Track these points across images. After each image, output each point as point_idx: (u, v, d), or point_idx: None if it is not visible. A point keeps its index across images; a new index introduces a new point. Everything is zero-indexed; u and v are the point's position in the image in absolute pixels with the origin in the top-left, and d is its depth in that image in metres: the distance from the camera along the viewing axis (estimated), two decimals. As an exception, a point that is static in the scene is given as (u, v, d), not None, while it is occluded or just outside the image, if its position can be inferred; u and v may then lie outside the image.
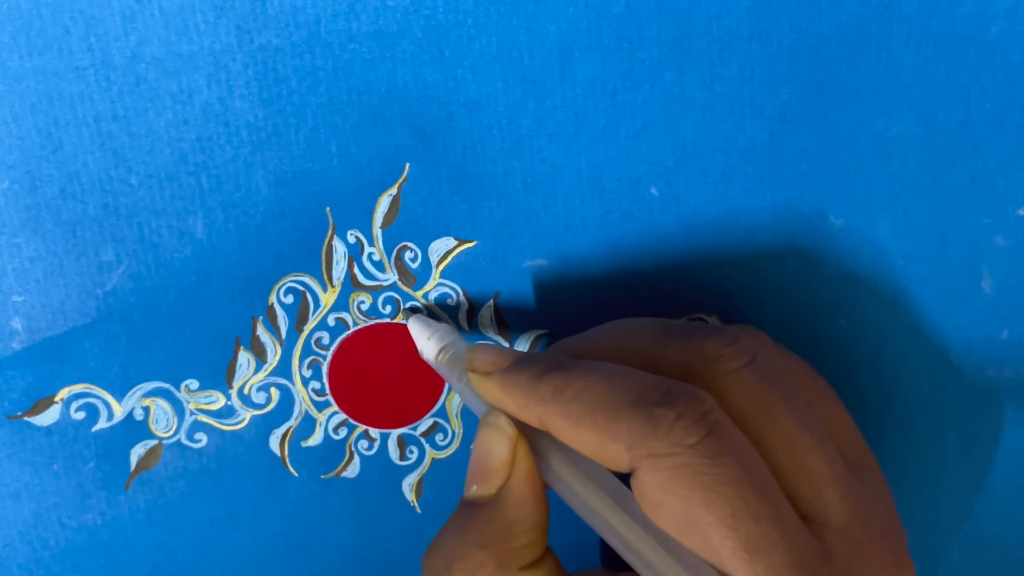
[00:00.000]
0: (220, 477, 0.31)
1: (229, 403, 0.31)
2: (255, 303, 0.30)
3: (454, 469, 0.32)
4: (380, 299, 0.31)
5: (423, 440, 0.32)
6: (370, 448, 0.32)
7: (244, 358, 0.30)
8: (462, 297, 0.31)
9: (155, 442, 0.31)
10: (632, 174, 0.30)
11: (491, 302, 0.31)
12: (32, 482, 0.30)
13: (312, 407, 0.31)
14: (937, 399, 0.33)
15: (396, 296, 0.31)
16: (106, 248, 0.29)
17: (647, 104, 0.30)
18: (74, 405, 0.30)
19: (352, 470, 0.32)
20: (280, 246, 0.30)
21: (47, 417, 0.30)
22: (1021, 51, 0.30)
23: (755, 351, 0.26)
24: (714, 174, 0.30)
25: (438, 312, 0.31)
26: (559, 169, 0.30)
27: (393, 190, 0.30)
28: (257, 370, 0.31)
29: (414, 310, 0.31)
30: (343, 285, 0.30)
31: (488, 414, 0.27)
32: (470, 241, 0.30)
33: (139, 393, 0.30)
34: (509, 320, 0.31)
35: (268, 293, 0.30)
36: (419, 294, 0.31)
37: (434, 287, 0.31)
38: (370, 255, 0.30)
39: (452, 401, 0.32)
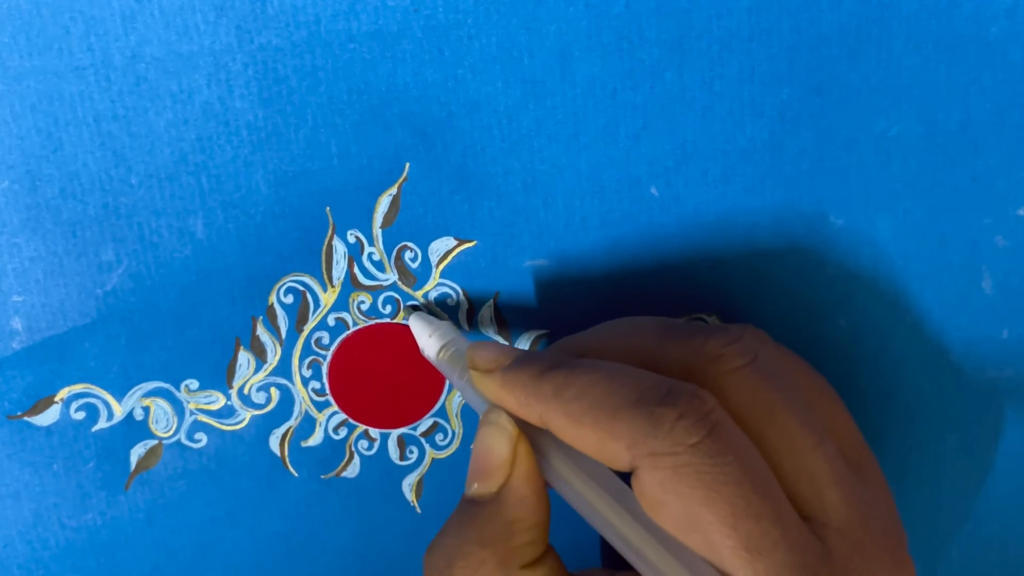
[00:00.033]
0: (220, 477, 0.31)
1: (229, 403, 0.31)
2: (255, 303, 0.30)
3: (454, 469, 0.32)
4: (380, 299, 0.31)
5: (423, 440, 0.32)
6: (370, 448, 0.32)
7: (244, 358, 0.30)
8: (462, 297, 0.31)
9: (155, 442, 0.31)
10: (632, 174, 0.30)
11: (491, 302, 0.31)
12: (32, 482, 0.30)
13: (312, 407, 0.31)
14: (937, 399, 0.33)
15: (396, 296, 0.31)
16: (106, 248, 0.29)
17: (647, 104, 0.30)
18: (74, 405, 0.30)
19: (352, 470, 0.32)
20: (280, 246, 0.30)
21: (47, 417, 0.30)
22: (1021, 51, 0.30)
23: (756, 351, 0.26)
24: (714, 174, 0.30)
25: (438, 312, 0.31)
26: (559, 169, 0.30)
27: (393, 190, 0.30)
28: (257, 370, 0.31)
29: (415, 308, 0.31)
30: (343, 285, 0.30)
31: (489, 412, 0.27)
32: (470, 241, 0.30)
33: (139, 393, 0.30)
34: (509, 320, 0.31)
35: (268, 293, 0.30)
36: (419, 294, 0.31)
37: (434, 287, 0.31)
38: (370, 255, 0.30)
39: (452, 401, 0.32)
